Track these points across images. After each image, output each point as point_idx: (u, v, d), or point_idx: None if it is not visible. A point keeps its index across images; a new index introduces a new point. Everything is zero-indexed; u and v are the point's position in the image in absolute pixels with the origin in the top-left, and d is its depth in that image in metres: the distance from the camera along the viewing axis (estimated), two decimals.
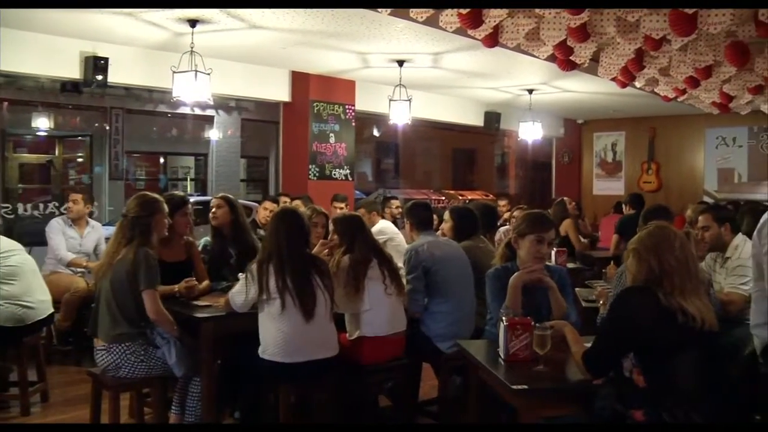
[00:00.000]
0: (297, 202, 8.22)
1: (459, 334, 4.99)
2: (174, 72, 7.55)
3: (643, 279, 3.22)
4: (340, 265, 4.85)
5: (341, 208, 8.48)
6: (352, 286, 4.76)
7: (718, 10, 5.08)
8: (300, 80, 10.14)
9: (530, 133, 12.55)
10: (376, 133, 18.91)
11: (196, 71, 7.48)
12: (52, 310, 5.79)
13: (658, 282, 3.16)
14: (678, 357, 3.10)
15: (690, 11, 5.06)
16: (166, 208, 4.83)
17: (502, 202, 12.07)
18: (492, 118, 13.31)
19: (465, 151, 22.22)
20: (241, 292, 4.48)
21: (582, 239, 9.85)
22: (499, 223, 7.84)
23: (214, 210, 5.86)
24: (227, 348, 4.95)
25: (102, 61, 7.91)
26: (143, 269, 4.42)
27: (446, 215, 6.12)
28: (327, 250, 5.17)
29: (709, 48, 6.28)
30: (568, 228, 9.70)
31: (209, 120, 18.25)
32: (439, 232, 6.18)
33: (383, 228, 7.94)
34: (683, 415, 3.03)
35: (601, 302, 5.09)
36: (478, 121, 13.41)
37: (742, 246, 5.17)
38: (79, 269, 7.04)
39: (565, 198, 10.67)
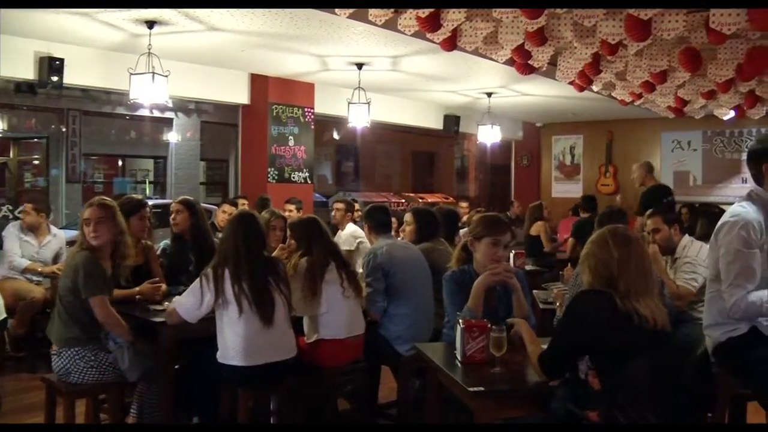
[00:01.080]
0: (226, 207, 8.15)
1: (418, 337, 5.01)
2: (131, 74, 7.49)
3: (599, 279, 3.25)
4: (297, 268, 4.83)
5: (291, 211, 8.45)
6: (309, 289, 4.74)
7: (672, 16, 5.16)
8: (259, 83, 10.12)
9: (489, 136, 12.62)
10: (335, 135, 18.87)
11: (154, 73, 7.42)
12: (4, 315, 5.68)
13: (614, 284, 3.19)
14: (633, 359, 3.13)
15: (645, 17, 5.13)
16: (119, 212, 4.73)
17: (463, 205, 12.14)
18: (451, 121, 13.37)
19: (425, 153, 22.24)
20: (194, 301, 4.37)
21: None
22: (459, 225, 7.85)
23: (173, 215, 5.77)
24: (185, 352, 4.91)
25: (57, 62, 7.82)
26: (82, 277, 4.32)
27: (408, 217, 6.13)
28: (286, 255, 5.16)
29: (664, 53, 6.38)
30: (541, 230, 9.76)
31: (168, 122, 18.09)
32: (400, 237, 6.20)
33: (355, 231, 7.95)
34: (638, 416, 3.06)
35: (557, 304, 5.14)
36: (437, 124, 13.47)
37: (689, 246, 5.27)
38: (35, 277, 6.93)
39: (542, 202, 10.78)
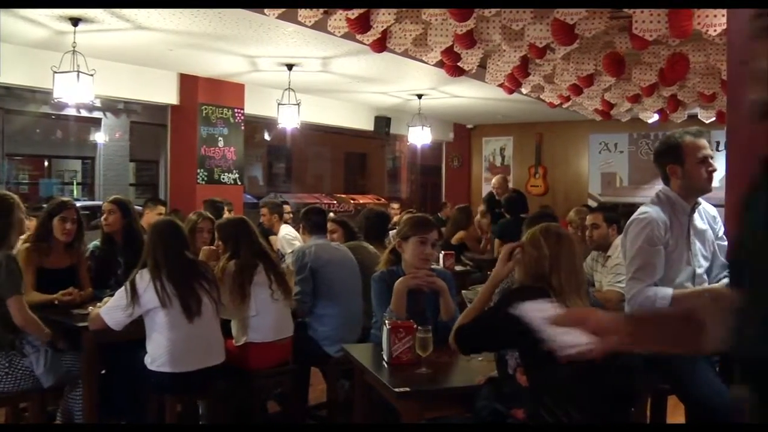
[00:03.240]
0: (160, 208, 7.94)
1: (346, 337, 5.01)
2: (55, 72, 7.32)
3: (532, 275, 3.28)
4: (225, 270, 4.79)
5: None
6: (238, 292, 4.70)
7: (596, 20, 5.28)
8: (188, 83, 9.98)
9: (419, 137, 12.65)
10: (267, 137, 18.76)
11: (79, 72, 7.27)
12: None
13: (547, 282, 3.22)
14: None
15: (571, 21, 5.22)
16: (21, 206, 4.61)
17: (394, 206, 12.17)
18: (382, 122, 13.38)
19: (357, 155, 22.28)
20: (119, 309, 4.28)
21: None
22: (390, 226, 7.88)
23: (105, 215, 5.62)
24: (110, 356, 4.81)
25: None
26: (4, 275, 4.20)
27: (332, 226, 6.19)
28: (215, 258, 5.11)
29: (590, 58, 6.49)
30: (463, 238, 9.74)
31: (96, 122, 17.77)
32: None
33: (288, 232, 7.98)
34: (563, 414, 3.09)
35: None
36: (368, 125, 13.47)
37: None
38: None
39: (469, 206, 10.81)
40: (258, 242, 5.02)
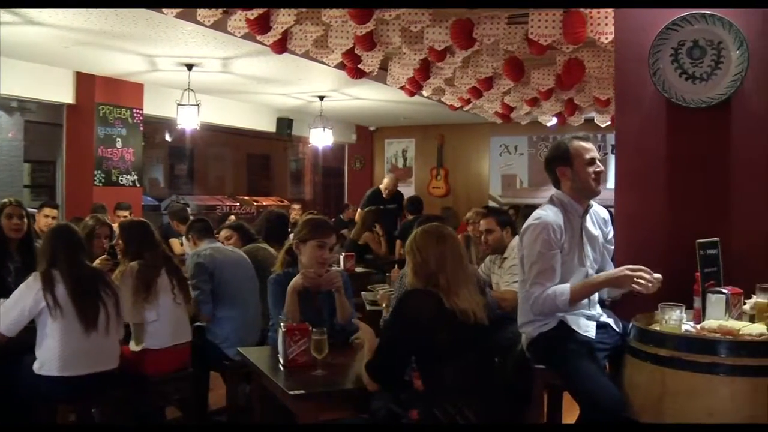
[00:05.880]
0: (48, 210, 7.63)
1: (246, 339, 4.99)
2: None
3: (421, 277, 3.32)
4: (127, 270, 4.70)
5: (125, 216, 8.24)
6: (142, 290, 4.62)
7: (493, 23, 5.37)
8: (85, 82, 9.72)
9: (321, 139, 12.64)
10: (168, 138, 18.41)
11: None
12: None
13: (435, 281, 3.26)
14: (457, 357, 3.20)
15: (470, 24, 5.31)
16: None
17: (296, 207, 12.12)
18: (284, 123, 13.31)
19: (259, 156, 22.04)
20: (14, 313, 4.17)
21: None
22: (290, 229, 7.86)
23: (16, 221, 5.31)
24: None
25: None
26: None
27: (228, 232, 6.13)
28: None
29: (489, 60, 6.60)
30: (369, 240, 9.73)
31: None
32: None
33: None
34: (456, 413, 3.13)
35: (384, 305, 5.22)
36: (270, 126, 13.38)
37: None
38: None
39: (376, 208, 10.80)
40: (160, 246, 4.96)
